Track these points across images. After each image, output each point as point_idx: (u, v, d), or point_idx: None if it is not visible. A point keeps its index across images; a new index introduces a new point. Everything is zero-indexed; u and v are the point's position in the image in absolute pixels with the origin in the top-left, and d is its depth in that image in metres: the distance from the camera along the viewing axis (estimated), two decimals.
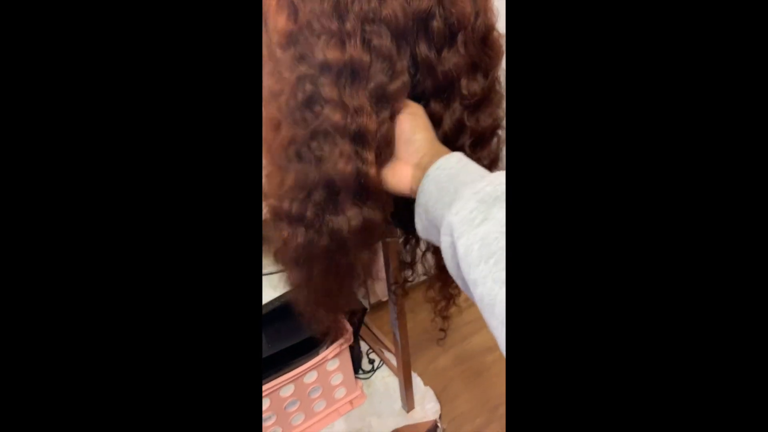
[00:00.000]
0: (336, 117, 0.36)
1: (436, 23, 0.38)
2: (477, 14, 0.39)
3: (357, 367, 1.05)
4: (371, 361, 1.08)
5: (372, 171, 0.38)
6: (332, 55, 0.35)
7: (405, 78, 0.37)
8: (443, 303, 0.60)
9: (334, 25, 0.35)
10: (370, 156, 0.37)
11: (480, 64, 0.41)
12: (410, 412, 0.96)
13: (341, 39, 0.35)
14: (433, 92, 0.41)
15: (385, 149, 0.38)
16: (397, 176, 0.39)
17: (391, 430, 0.94)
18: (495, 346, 1.26)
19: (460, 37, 0.39)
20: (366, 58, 0.36)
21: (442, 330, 0.65)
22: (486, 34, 0.41)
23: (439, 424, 0.94)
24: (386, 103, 0.37)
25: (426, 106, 0.41)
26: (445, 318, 0.62)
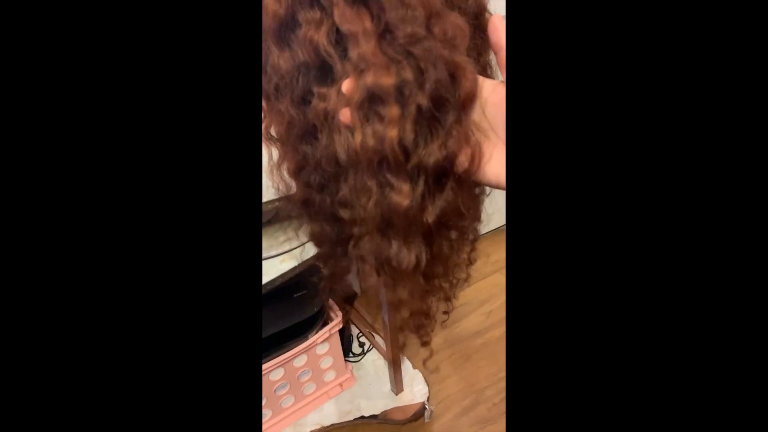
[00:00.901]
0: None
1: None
2: None
3: (347, 350, 1.06)
4: (361, 345, 1.09)
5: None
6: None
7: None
8: (447, 286, 0.59)
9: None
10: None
11: (472, 45, 0.41)
12: (399, 395, 0.97)
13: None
14: None
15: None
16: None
17: (380, 411, 0.95)
18: (484, 330, 1.29)
19: None
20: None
21: (445, 312, 0.65)
22: (478, 15, 0.40)
23: (427, 406, 0.96)
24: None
25: None
26: (448, 300, 0.62)
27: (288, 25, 0.34)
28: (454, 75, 0.30)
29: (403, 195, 0.32)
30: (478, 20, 0.41)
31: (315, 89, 0.34)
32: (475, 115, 0.32)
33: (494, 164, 0.33)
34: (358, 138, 0.31)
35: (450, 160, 0.31)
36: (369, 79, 0.30)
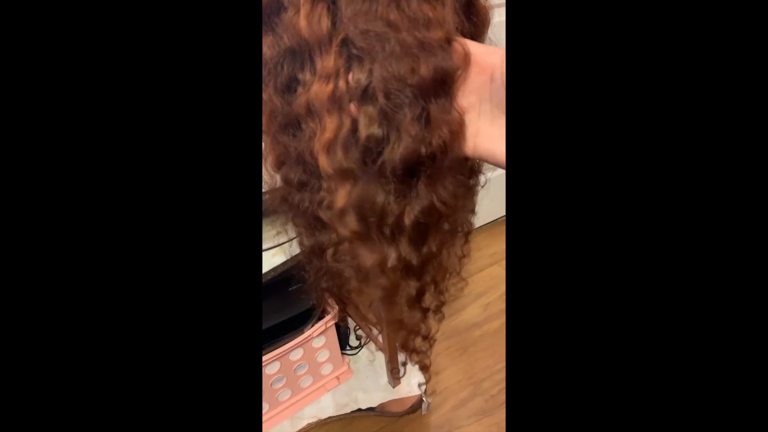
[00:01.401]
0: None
1: None
2: None
3: (344, 343, 1.06)
4: (358, 338, 1.09)
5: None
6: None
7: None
8: (440, 279, 0.59)
9: None
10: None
11: (464, 32, 0.40)
12: (396, 387, 0.98)
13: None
14: None
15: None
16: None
17: (378, 404, 0.95)
18: (482, 322, 1.28)
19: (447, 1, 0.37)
20: None
21: (439, 306, 0.64)
22: (471, 0, 0.39)
23: (424, 399, 0.96)
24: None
25: None
26: (441, 293, 0.61)
27: (273, 9, 0.33)
28: (412, 65, 0.29)
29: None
30: (471, 4, 0.40)
31: (300, 76, 0.33)
32: (492, 94, 0.30)
33: (499, 140, 0.31)
34: (317, 144, 0.32)
35: (415, 155, 0.30)
36: (314, 89, 0.31)
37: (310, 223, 0.45)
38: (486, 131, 0.31)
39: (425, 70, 0.29)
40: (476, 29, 0.40)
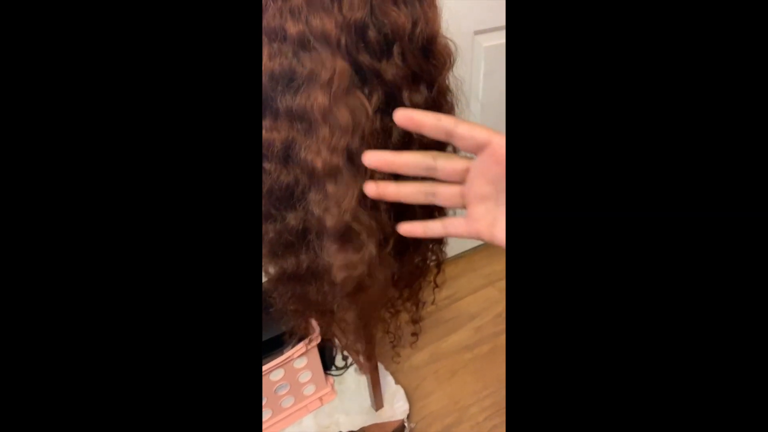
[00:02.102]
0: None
1: (371, 33, 0.36)
2: (415, 24, 0.37)
3: (330, 363, 1.05)
4: (344, 358, 1.08)
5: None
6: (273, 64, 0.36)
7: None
8: (414, 308, 0.60)
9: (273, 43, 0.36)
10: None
11: (422, 74, 0.40)
12: (379, 411, 0.96)
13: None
14: (382, 105, 0.39)
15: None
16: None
17: (359, 428, 0.94)
18: (472, 345, 1.26)
19: (396, 48, 0.37)
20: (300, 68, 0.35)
21: (414, 334, 0.66)
22: (427, 44, 0.39)
23: (406, 424, 0.94)
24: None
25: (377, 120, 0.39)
26: (416, 322, 0.63)
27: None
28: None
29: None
30: (431, 46, 0.40)
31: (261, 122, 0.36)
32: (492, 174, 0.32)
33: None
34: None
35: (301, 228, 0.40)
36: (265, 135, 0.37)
37: (274, 251, 0.46)
38: (502, 220, 0.33)
39: (320, 163, 0.36)
40: (436, 70, 0.40)
